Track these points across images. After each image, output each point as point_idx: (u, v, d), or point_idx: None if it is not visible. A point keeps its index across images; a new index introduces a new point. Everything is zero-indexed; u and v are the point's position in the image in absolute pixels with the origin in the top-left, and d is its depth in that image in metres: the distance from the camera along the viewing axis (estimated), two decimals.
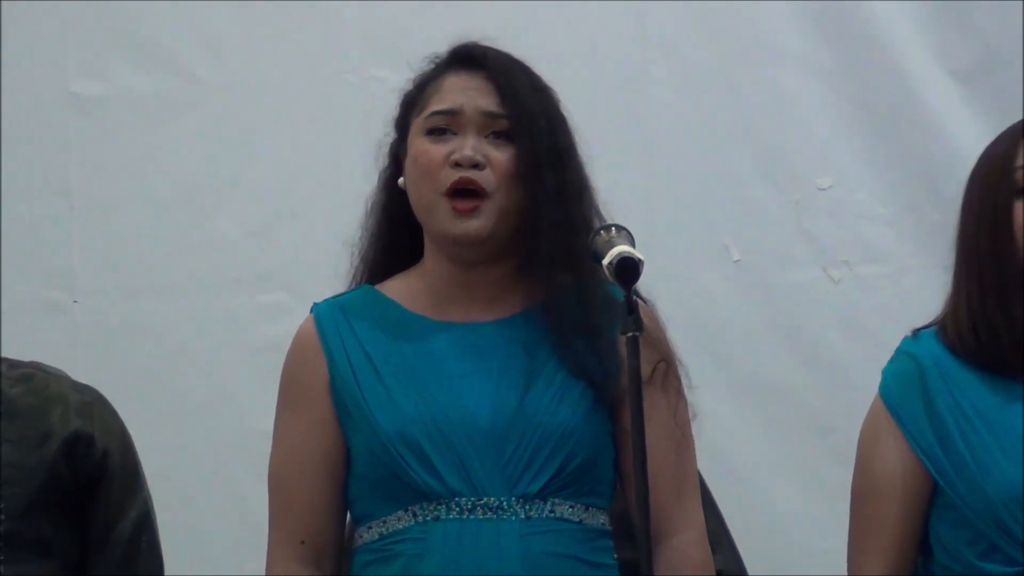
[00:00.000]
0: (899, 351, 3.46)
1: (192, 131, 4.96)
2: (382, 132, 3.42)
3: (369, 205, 3.43)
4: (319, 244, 3.56)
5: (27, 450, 3.59)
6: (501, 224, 3.28)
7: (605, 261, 3.04)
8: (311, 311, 3.40)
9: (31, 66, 4.95)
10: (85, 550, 3.63)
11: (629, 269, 3.01)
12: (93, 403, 3.67)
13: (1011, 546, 3.30)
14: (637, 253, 3.03)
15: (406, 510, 3.25)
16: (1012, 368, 3.36)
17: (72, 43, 4.97)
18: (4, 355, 3.73)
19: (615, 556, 3.32)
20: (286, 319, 3.47)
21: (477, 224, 3.27)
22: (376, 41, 4.83)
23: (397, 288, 3.38)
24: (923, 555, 3.43)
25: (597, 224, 3.27)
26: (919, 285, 4.79)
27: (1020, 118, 3.57)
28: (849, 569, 3.45)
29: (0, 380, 3.64)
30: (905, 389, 3.42)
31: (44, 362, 3.77)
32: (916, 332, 3.47)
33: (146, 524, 3.67)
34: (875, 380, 4.40)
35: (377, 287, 3.39)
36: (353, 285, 3.43)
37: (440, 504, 3.23)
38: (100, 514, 3.63)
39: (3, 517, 3.55)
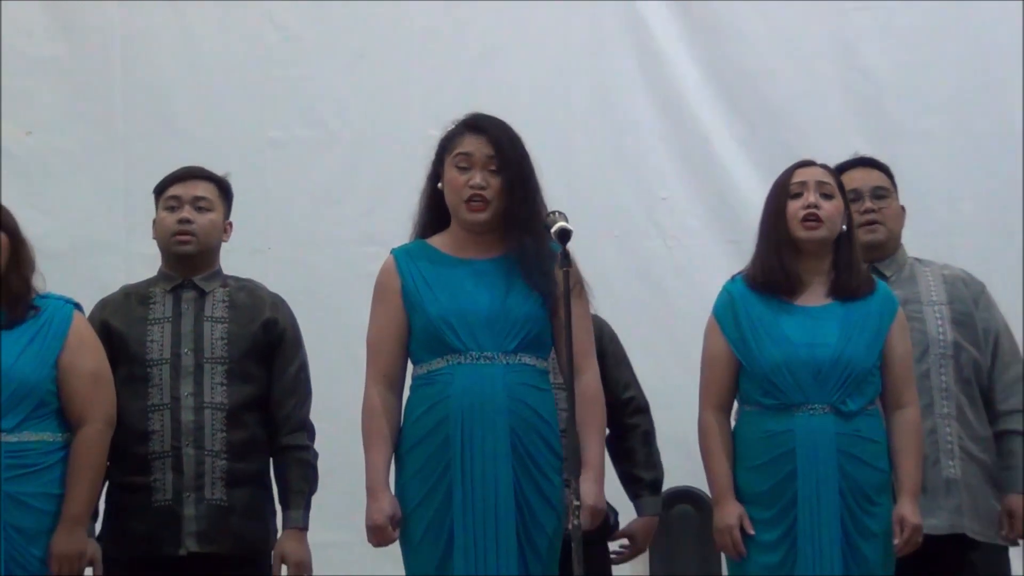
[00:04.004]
0: (723, 288, 3.45)
1: (330, 160, 4.83)
2: (428, 162, 3.32)
3: (420, 198, 3.35)
4: (397, 221, 3.42)
5: (242, 326, 3.57)
6: (494, 215, 3.23)
7: (552, 229, 3.09)
8: (391, 253, 3.34)
9: (246, 121, 4.80)
10: (270, 380, 3.57)
11: (566, 234, 3.06)
12: (278, 302, 3.65)
13: (775, 391, 3.34)
14: (570, 226, 3.07)
15: (442, 357, 3.21)
16: (783, 294, 3.37)
17: (268, 106, 4.81)
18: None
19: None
20: (380, 261, 3.34)
21: (482, 216, 3.23)
22: (430, 111, 4.63)
23: (437, 241, 3.32)
24: (737, 398, 3.45)
25: (545, 211, 3.20)
26: (713, 251, 4.71)
27: (773, 166, 3.58)
28: (699, 407, 3.42)
29: (230, 290, 3.59)
30: (724, 309, 3.43)
31: (251, 281, 3.70)
32: (733, 277, 3.47)
33: (303, 369, 3.63)
34: (691, 301, 4.36)
35: (426, 240, 3.32)
36: (412, 239, 3.35)
37: (461, 355, 3.19)
38: (279, 361, 3.58)
39: (229, 360, 3.51)
